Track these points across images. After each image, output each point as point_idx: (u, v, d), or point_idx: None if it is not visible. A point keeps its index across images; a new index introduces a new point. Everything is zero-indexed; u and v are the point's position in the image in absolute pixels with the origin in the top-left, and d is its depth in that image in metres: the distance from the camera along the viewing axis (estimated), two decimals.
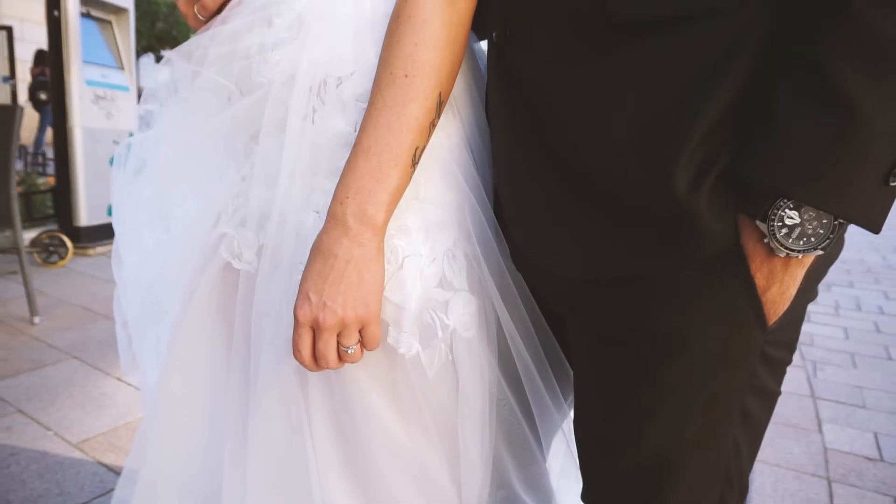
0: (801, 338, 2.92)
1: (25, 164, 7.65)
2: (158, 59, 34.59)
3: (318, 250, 0.64)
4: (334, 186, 0.68)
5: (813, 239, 0.52)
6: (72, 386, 2.35)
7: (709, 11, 0.52)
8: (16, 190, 2.78)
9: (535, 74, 0.63)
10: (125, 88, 4.57)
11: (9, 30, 6.13)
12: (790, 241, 0.52)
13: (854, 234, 4.85)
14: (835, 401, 2.49)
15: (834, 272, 4.79)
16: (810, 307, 3.35)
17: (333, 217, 0.64)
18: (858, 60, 0.46)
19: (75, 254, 4.10)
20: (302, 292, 0.64)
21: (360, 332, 0.65)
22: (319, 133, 0.70)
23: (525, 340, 0.79)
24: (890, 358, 3.00)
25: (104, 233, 4.41)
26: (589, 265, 0.62)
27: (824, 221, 0.51)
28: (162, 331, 0.94)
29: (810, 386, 2.61)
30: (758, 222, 0.53)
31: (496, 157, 0.72)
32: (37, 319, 2.95)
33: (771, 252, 0.53)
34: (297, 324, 0.64)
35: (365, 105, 0.67)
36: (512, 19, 0.66)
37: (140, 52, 25.50)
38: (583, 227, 0.61)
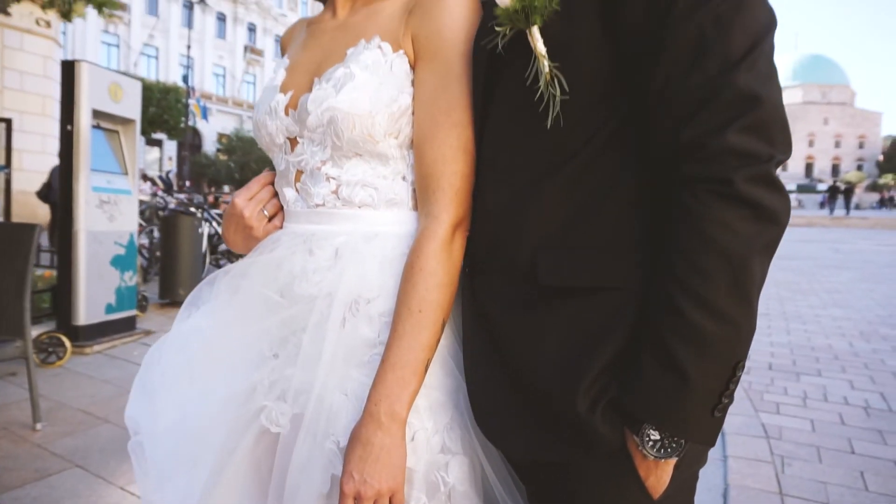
0: (771, 431, 3.10)
1: None
2: (149, 141, 35.20)
3: (358, 439, 0.86)
4: (360, 376, 0.91)
5: (670, 450, 0.74)
6: (77, 496, 2.45)
7: (604, 286, 0.79)
8: (29, 303, 2.96)
9: (491, 304, 0.88)
10: (128, 192, 4.84)
11: (8, 122, 6.46)
12: (654, 450, 0.74)
13: (824, 318, 5.15)
14: (801, 497, 2.65)
15: (803, 360, 5.05)
16: (780, 398, 3.54)
17: (369, 414, 0.85)
18: (690, 344, 0.70)
19: (73, 353, 4.22)
20: (346, 471, 0.85)
21: (389, 498, 0.86)
22: (351, 336, 0.93)
23: (506, 489, 0.99)
24: (853, 452, 3.19)
25: (101, 331, 4.56)
26: (527, 450, 0.84)
27: (676, 439, 0.74)
28: (194, 477, 1.10)
29: (779, 483, 2.78)
30: (634, 437, 0.76)
31: (465, 358, 0.95)
32: (39, 426, 3.06)
33: (645, 456, 0.76)
34: (342, 495, 0.85)
35: (387, 319, 0.91)
36: (477, 262, 0.91)
37: None
38: (522, 419, 0.84)
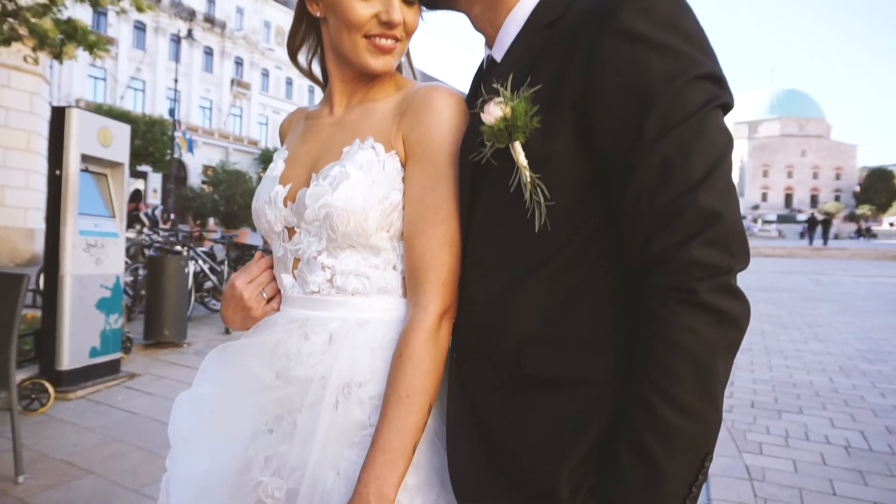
0: (754, 473, 3.16)
1: None
2: (133, 173, 35.06)
3: None
4: (352, 455, 0.96)
5: None
6: None
7: (584, 378, 0.85)
8: (14, 353, 2.95)
9: (477, 389, 0.93)
10: (115, 235, 4.85)
11: None
12: None
13: (805, 353, 5.23)
14: None
15: (785, 397, 5.12)
16: (763, 438, 3.60)
17: (359, 495, 0.90)
18: (662, 438, 0.76)
19: (56, 398, 4.18)
20: None
21: None
22: (344, 418, 0.98)
23: None
24: (834, 493, 3.24)
25: (85, 375, 4.52)
26: None
27: None
28: None
29: None
30: None
31: (449, 440, 0.99)
32: (21, 478, 3.02)
33: None
34: None
35: (377, 402, 0.96)
36: (463, 349, 0.96)
37: None
38: (505, 501, 0.88)
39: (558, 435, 0.84)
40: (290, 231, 1.08)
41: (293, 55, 1.17)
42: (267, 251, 1.21)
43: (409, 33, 1.06)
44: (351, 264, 1.02)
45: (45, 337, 4.43)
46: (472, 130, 0.91)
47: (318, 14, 1.07)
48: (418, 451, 0.98)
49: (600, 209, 0.84)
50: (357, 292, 1.02)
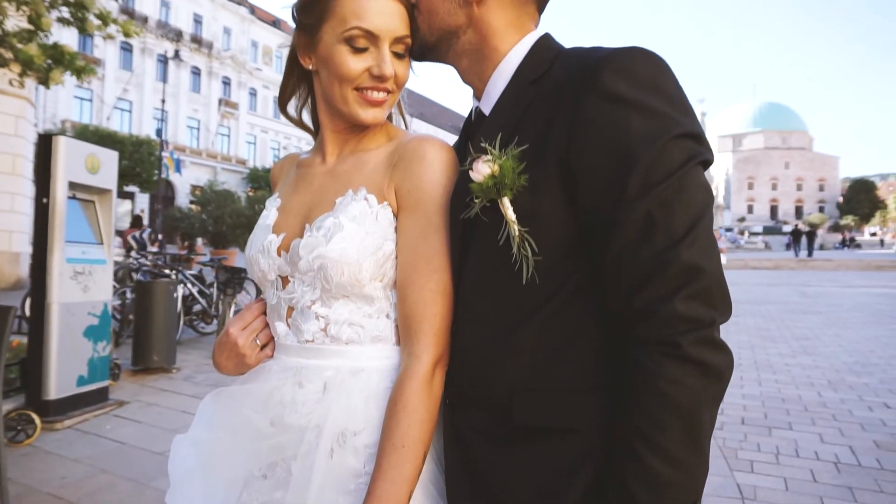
0: (746, 492, 3.17)
1: None
2: (120, 194, 34.90)
3: None
4: (345, 501, 0.96)
5: None
6: None
7: (574, 427, 0.87)
8: (0, 385, 2.91)
9: (471, 436, 0.95)
10: (103, 262, 4.83)
11: None
12: None
13: (794, 367, 5.26)
14: None
15: (775, 413, 5.15)
16: (753, 455, 3.63)
17: None
18: (650, 488, 0.77)
19: (42, 429, 4.12)
20: None
21: None
22: (339, 466, 0.99)
23: None
24: None
25: (73, 404, 4.47)
26: None
27: None
28: None
29: None
30: None
31: (447, 487, 1.00)
32: None
33: None
34: None
35: (372, 451, 0.97)
36: (456, 396, 0.98)
37: None
38: None
39: (550, 485, 0.86)
40: (284, 280, 1.09)
41: (283, 105, 1.19)
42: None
43: (399, 85, 1.08)
44: (345, 314, 1.03)
45: (32, 366, 4.37)
46: (462, 185, 0.94)
47: (311, 67, 1.10)
48: (413, 499, 0.99)
49: (586, 262, 0.87)
50: (351, 341, 1.04)
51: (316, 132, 1.21)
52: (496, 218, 0.88)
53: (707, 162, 0.84)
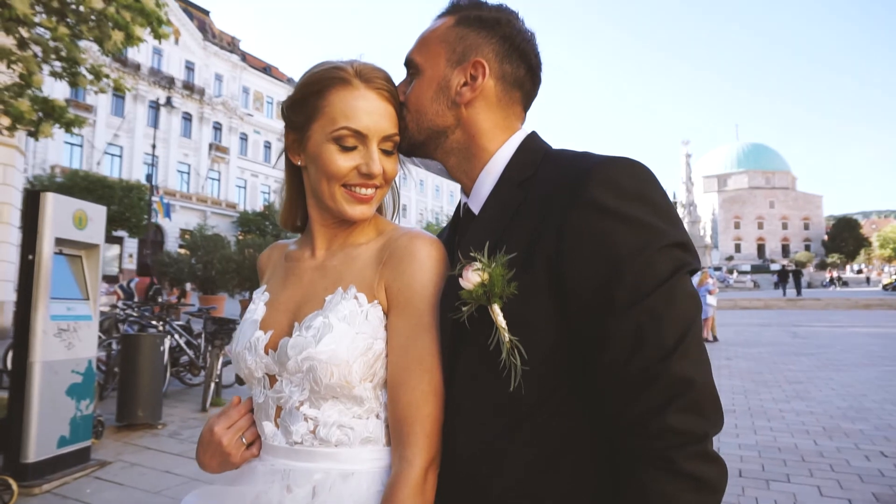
0: None
1: None
2: (109, 239, 34.70)
3: None
4: None
5: None
6: None
7: None
8: None
9: None
10: (88, 318, 4.75)
11: None
12: None
13: (788, 413, 5.20)
14: None
15: (772, 464, 5.08)
16: None
17: None
18: None
19: (20, 494, 3.98)
20: None
21: None
22: None
23: None
24: None
25: (53, 466, 4.33)
26: None
27: None
28: None
29: None
30: None
31: None
32: None
33: None
34: None
35: None
36: (447, 498, 0.95)
37: None
38: None
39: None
40: (272, 378, 1.06)
41: (286, 221, 1.19)
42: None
43: (388, 181, 1.08)
44: (334, 415, 1.00)
45: (11, 427, 4.24)
46: (452, 287, 0.93)
47: (300, 163, 1.10)
48: None
49: (577, 371, 0.86)
50: (341, 443, 1.01)
51: (303, 227, 1.20)
52: (486, 322, 0.87)
53: (694, 270, 0.84)
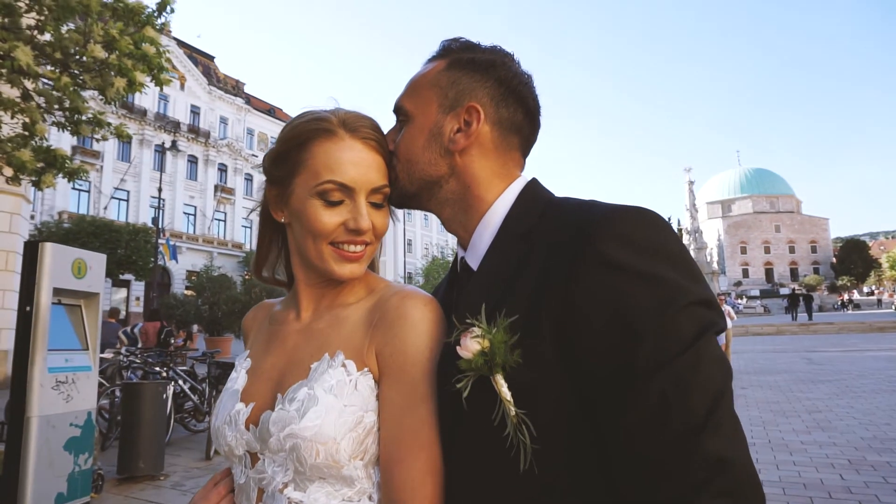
0: None
1: None
2: (116, 282, 34.74)
3: None
4: None
5: None
6: None
7: None
8: None
9: None
10: (87, 368, 4.65)
11: None
12: None
13: (810, 445, 5.00)
14: None
15: (797, 501, 4.86)
16: None
17: None
18: None
19: None
20: None
21: None
22: None
23: None
24: None
25: None
26: None
27: None
28: None
29: None
30: None
31: None
32: None
33: None
34: None
35: None
36: None
37: None
38: None
39: None
40: (254, 457, 0.96)
41: (259, 270, 1.11)
42: None
43: (378, 236, 1.00)
44: (321, 498, 0.89)
45: (7, 485, 4.11)
46: (449, 356, 0.83)
47: (283, 220, 1.02)
48: None
49: (592, 447, 0.75)
50: None
51: (289, 284, 1.11)
52: (489, 393, 0.77)
53: (720, 330, 0.74)
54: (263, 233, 1.09)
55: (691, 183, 49.57)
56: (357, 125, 0.97)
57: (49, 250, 4.31)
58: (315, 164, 0.94)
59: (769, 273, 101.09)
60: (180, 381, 7.94)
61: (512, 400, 0.74)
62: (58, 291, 4.48)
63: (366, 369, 0.93)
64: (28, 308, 4.22)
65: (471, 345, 0.75)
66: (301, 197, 0.96)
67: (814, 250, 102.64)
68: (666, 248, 0.75)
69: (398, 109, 1.00)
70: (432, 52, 1.01)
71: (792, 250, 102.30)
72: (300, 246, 1.00)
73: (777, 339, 25.04)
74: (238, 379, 1.03)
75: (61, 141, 30.52)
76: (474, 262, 0.93)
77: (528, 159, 1.02)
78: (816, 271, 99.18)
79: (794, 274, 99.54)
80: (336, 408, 0.88)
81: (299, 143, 0.96)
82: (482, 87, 0.94)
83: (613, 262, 0.73)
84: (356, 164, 0.94)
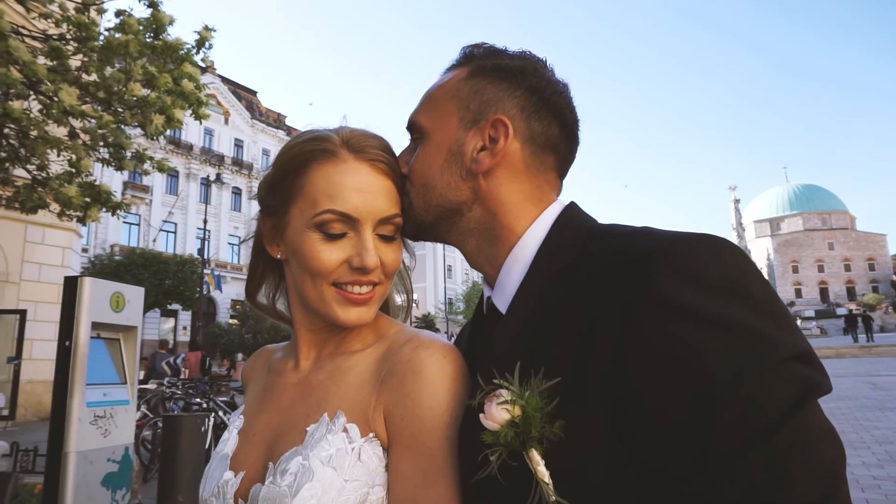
0: None
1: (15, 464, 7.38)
2: (164, 312, 35.73)
3: None
4: None
5: None
6: None
7: None
8: None
9: None
10: (126, 402, 4.63)
11: (23, 313, 6.40)
12: None
13: (884, 481, 4.62)
14: None
15: None
16: None
17: None
18: None
19: None
20: None
21: None
22: None
23: None
24: None
25: None
26: None
27: None
28: None
29: None
30: None
31: None
32: None
33: None
34: None
35: None
36: None
37: (148, 307, 26.99)
38: None
39: None
40: None
41: (252, 296, 0.98)
42: None
43: (389, 274, 0.85)
44: None
45: None
46: (473, 421, 0.67)
47: (279, 256, 0.89)
48: None
49: None
50: None
51: (267, 305, 0.98)
52: (521, 471, 0.61)
53: (825, 392, 0.57)
54: (255, 266, 0.97)
55: (737, 201, 48.28)
56: (363, 145, 0.83)
57: (88, 284, 4.33)
58: (313, 190, 0.81)
59: (824, 293, 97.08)
60: (220, 413, 7.93)
61: (551, 483, 0.58)
62: (96, 325, 4.48)
63: (371, 435, 0.77)
64: (67, 343, 4.23)
65: (498, 413, 0.59)
66: (297, 229, 0.82)
67: (871, 268, 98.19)
68: (745, 286, 0.59)
69: (412, 126, 0.86)
70: (451, 60, 0.88)
71: (848, 268, 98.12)
72: (298, 286, 0.86)
73: (837, 363, 23.76)
74: (229, 441, 0.89)
75: (113, 178, 31.75)
76: (502, 303, 0.77)
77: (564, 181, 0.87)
78: (875, 290, 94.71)
79: (850, 293, 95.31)
80: (335, 483, 0.73)
81: (296, 166, 0.83)
82: (510, 97, 0.80)
83: (676, 305, 0.56)
84: (361, 190, 0.80)
